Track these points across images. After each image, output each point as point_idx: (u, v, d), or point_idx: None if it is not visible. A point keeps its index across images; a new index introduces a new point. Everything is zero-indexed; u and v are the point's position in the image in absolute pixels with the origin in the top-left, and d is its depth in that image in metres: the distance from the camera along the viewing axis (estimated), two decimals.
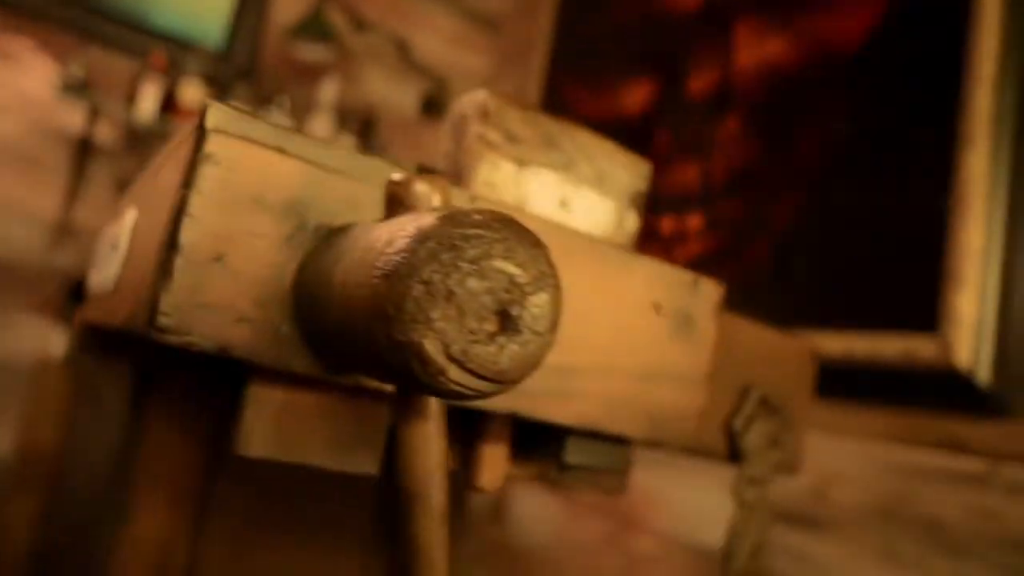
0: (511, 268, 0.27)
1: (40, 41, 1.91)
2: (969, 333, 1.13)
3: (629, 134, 1.90)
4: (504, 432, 0.46)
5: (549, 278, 0.27)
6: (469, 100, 0.45)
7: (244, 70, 2.18)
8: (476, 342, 0.26)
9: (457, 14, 2.55)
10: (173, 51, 2.06)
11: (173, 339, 0.33)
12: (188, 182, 0.33)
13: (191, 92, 1.96)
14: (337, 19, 2.31)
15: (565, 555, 1.78)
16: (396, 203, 0.31)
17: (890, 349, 1.20)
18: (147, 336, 0.33)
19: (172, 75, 1.99)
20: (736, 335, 0.61)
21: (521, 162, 0.44)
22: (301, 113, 2.22)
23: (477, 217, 0.27)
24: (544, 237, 0.42)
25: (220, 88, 2.08)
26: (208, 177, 0.33)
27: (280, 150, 0.34)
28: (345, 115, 2.26)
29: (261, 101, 2.16)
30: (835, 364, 1.26)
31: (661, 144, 1.81)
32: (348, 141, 2.17)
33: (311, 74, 2.29)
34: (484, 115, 0.44)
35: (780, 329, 0.69)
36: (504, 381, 0.27)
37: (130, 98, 1.94)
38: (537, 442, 0.48)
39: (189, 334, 0.33)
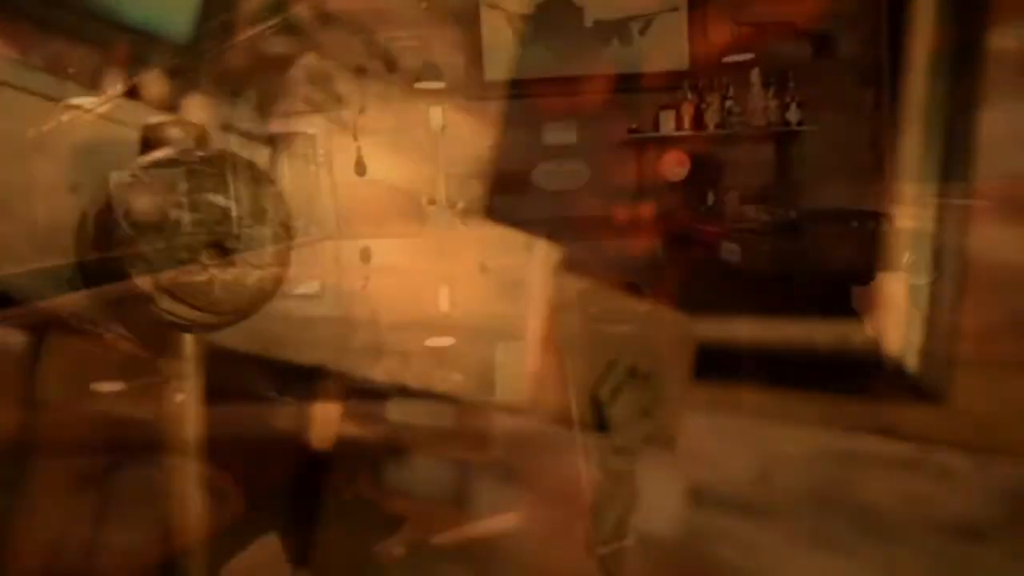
0: (223, 202, 0.27)
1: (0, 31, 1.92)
2: (899, 320, 1.14)
3: (594, 126, 1.91)
4: (336, 390, 0.47)
5: (269, 214, 0.28)
6: (300, 64, 0.45)
7: (211, 62, 2.19)
8: (186, 272, 0.27)
9: (426, 8, 2.56)
10: (139, 43, 2.06)
11: None
12: None
13: (154, 84, 1.96)
14: (302, 12, 2.32)
15: (522, 544, 1.79)
16: (150, 146, 0.32)
17: (824, 337, 1.21)
18: None
19: (134, 67, 2.00)
20: (608, 308, 0.62)
21: (348, 124, 0.45)
22: (268, 106, 2.23)
23: (198, 154, 0.28)
24: (371, 199, 0.43)
25: (186, 80, 2.09)
26: None
27: (63, 102, 0.35)
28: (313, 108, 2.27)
29: (228, 93, 2.17)
30: (771, 351, 1.26)
31: (622, 133, 1.82)
32: None
33: (279, 66, 2.30)
34: (312, 78, 0.45)
35: (677, 311, 0.70)
36: (220, 312, 0.28)
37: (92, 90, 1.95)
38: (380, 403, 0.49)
39: None
